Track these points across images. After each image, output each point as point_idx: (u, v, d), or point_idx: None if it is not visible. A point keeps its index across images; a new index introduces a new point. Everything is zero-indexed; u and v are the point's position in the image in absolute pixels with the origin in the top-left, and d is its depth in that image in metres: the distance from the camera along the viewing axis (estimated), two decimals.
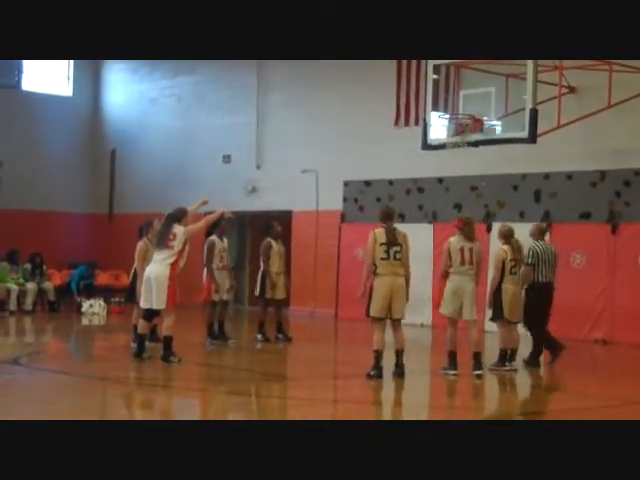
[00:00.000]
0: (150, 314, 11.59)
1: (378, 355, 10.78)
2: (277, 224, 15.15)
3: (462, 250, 11.36)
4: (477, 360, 11.25)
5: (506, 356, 11.95)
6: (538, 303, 12.32)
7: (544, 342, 12.57)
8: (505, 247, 12.10)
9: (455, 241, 11.46)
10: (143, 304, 11.57)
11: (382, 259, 10.78)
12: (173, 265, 11.35)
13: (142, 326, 11.68)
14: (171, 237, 11.38)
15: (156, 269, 11.38)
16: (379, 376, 10.71)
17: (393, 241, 10.83)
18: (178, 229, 11.44)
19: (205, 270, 14.25)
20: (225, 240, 14.46)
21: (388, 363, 10.87)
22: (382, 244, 10.79)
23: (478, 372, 11.17)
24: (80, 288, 20.85)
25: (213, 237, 14.29)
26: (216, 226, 14.12)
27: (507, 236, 12.19)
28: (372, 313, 10.80)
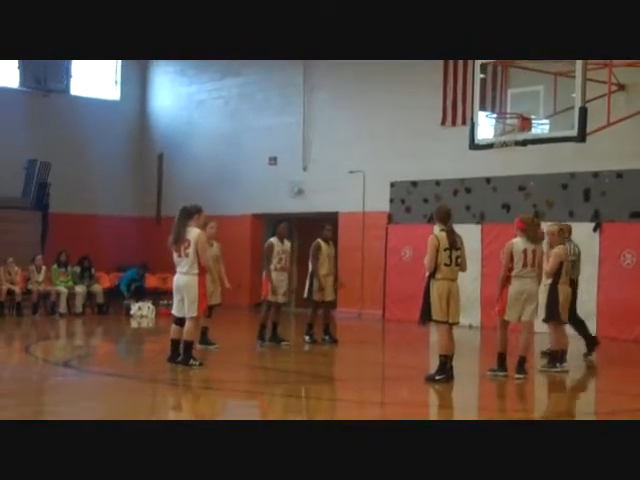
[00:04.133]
0: (182, 321, 11.54)
1: (445, 360, 10.62)
2: (329, 227, 15.17)
3: (525, 252, 11.00)
4: (521, 364, 11.07)
5: (557, 357, 11.80)
6: None
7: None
8: (563, 247, 11.89)
9: (518, 243, 11.10)
10: (176, 312, 11.57)
11: (446, 265, 10.48)
12: (200, 275, 11.35)
13: (175, 331, 11.63)
14: (186, 244, 11.31)
15: (184, 280, 11.34)
16: (448, 379, 10.57)
17: (455, 245, 10.57)
18: (192, 235, 11.30)
19: (265, 271, 14.31)
20: (287, 243, 14.50)
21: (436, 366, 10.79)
22: (446, 249, 10.49)
23: (519, 376, 11.00)
24: (131, 291, 20.98)
25: (272, 239, 14.39)
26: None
27: (563, 235, 11.99)
28: (435, 317, 10.54)
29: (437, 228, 10.85)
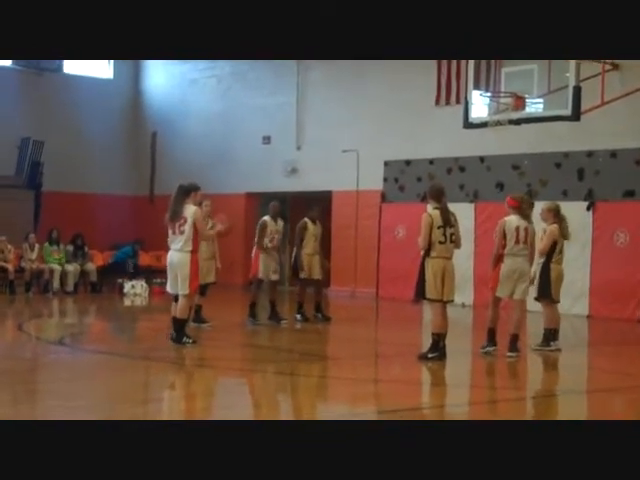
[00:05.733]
0: (177, 298, 11.55)
1: (438, 338, 10.62)
2: (317, 207, 15.16)
3: (517, 230, 11.04)
4: (513, 342, 11.10)
5: (550, 336, 11.84)
6: None
7: None
8: (556, 225, 11.88)
9: (512, 220, 11.15)
10: (171, 290, 11.59)
11: (440, 242, 10.47)
12: (193, 252, 11.36)
13: (174, 309, 11.63)
14: (182, 221, 11.32)
15: (177, 257, 11.36)
16: (441, 357, 10.59)
17: (449, 222, 10.56)
18: (188, 212, 11.33)
19: (255, 249, 14.30)
20: (280, 222, 14.47)
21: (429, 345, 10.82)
22: (440, 227, 10.48)
23: (511, 354, 11.03)
24: (129, 266, 21.01)
25: (266, 218, 14.34)
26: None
27: (557, 214, 11.97)
28: (429, 295, 10.56)
29: (430, 206, 10.83)
